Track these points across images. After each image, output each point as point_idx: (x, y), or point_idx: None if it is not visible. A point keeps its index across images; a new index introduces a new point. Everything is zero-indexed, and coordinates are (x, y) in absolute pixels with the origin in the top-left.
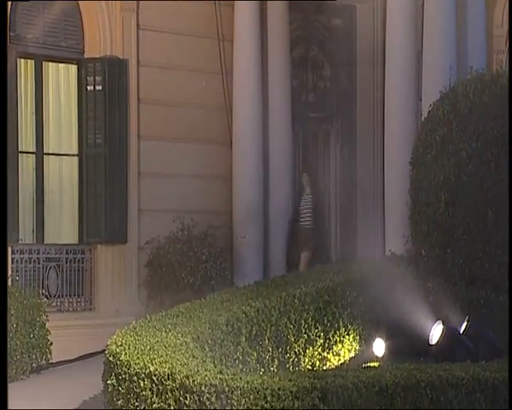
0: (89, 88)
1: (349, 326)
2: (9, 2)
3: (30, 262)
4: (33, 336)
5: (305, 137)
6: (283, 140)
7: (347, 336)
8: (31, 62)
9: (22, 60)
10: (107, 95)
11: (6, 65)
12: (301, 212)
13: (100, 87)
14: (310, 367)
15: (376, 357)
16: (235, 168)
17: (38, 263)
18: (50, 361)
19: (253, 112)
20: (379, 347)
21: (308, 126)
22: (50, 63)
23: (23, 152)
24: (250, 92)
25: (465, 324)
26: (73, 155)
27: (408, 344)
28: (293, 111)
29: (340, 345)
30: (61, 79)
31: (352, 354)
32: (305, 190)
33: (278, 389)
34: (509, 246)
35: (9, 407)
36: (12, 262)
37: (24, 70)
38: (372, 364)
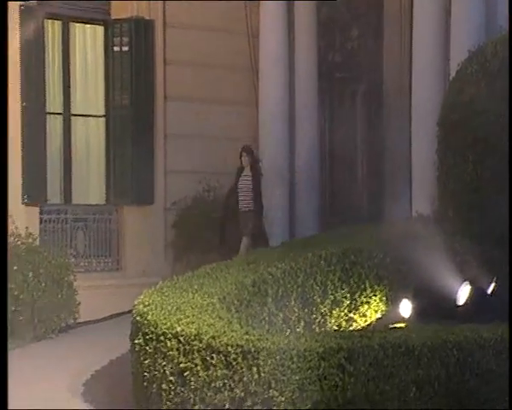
0: (115, 49)
1: (375, 287)
2: None
3: (58, 222)
4: (61, 296)
5: (331, 97)
6: (309, 101)
7: (374, 297)
8: (58, 23)
9: (49, 21)
10: (133, 56)
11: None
12: (240, 194)
13: (126, 48)
14: (336, 328)
15: (403, 318)
16: (262, 130)
17: (66, 223)
18: (78, 321)
19: (280, 73)
20: (405, 308)
21: (335, 87)
22: (77, 24)
23: (51, 113)
24: (276, 53)
25: (493, 284)
26: (100, 117)
27: (435, 305)
28: (320, 71)
29: (366, 306)
30: (88, 40)
31: (379, 315)
32: (244, 171)
33: (304, 349)
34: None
35: (40, 360)
36: (40, 222)
37: (51, 31)
38: (398, 325)
